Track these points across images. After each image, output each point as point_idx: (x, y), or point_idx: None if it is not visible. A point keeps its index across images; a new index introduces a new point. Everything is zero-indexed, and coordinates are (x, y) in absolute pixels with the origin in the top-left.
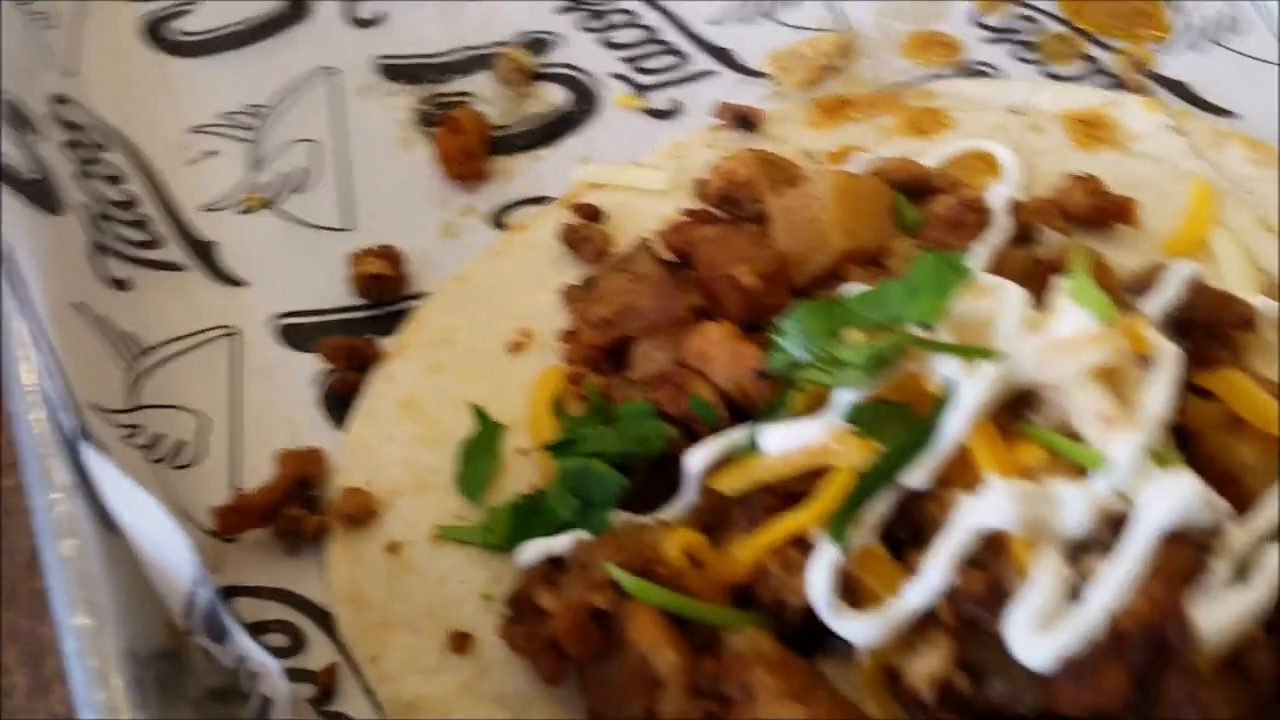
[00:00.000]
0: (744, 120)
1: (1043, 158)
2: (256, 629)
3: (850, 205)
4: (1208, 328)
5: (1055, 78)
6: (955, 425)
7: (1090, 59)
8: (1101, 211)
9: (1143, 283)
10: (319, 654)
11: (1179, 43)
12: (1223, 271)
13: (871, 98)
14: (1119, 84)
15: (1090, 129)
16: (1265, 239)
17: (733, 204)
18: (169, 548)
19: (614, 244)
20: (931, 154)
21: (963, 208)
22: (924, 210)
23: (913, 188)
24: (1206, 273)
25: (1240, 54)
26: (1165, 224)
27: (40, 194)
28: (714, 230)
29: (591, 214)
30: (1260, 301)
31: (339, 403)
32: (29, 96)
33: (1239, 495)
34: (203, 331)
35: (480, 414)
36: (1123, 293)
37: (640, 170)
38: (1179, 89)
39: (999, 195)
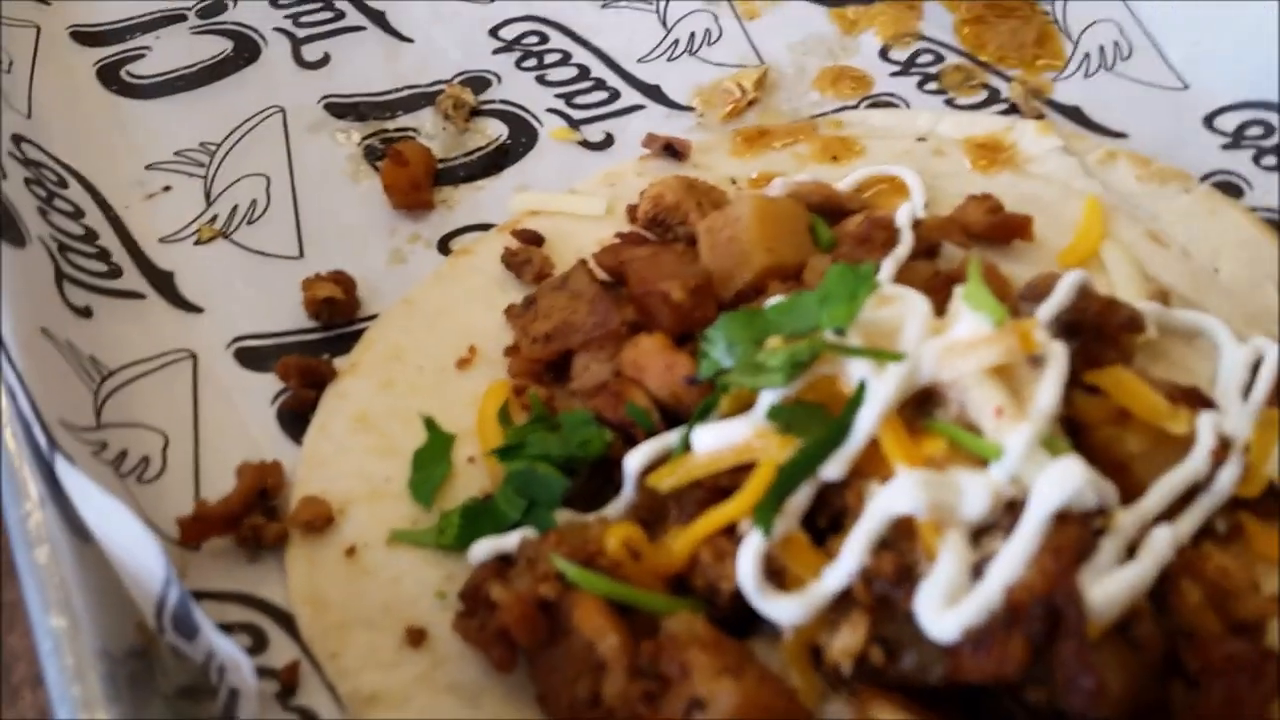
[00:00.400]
0: (672, 150)
1: (945, 180)
2: (221, 631)
3: (769, 225)
4: (1096, 330)
5: (957, 106)
6: (866, 421)
7: (990, 88)
8: (999, 228)
9: (1037, 290)
10: (281, 653)
11: (1074, 71)
12: (1113, 279)
13: (789, 128)
14: (1017, 111)
15: (989, 153)
16: (1153, 249)
17: (662, 226)
18: (140, 552)
19: (553, 266)
20: (844, 178)
21: (871, 226)
22: (837, 229)
23: (827, 209)
24: (1096, 280)
25: (1131, 79)
26: (1059, 238)
27: (7, 228)
28: (645, 250)
29: (531, 239)
30: (1146, 305)
31: (295, 419)
32: None
33: (1128, 482)
34: (163, 355)
35: (430, 424)
36: (1017, 300)
37: (576, 197)
38: (1073, 114)
39: (904, 214)
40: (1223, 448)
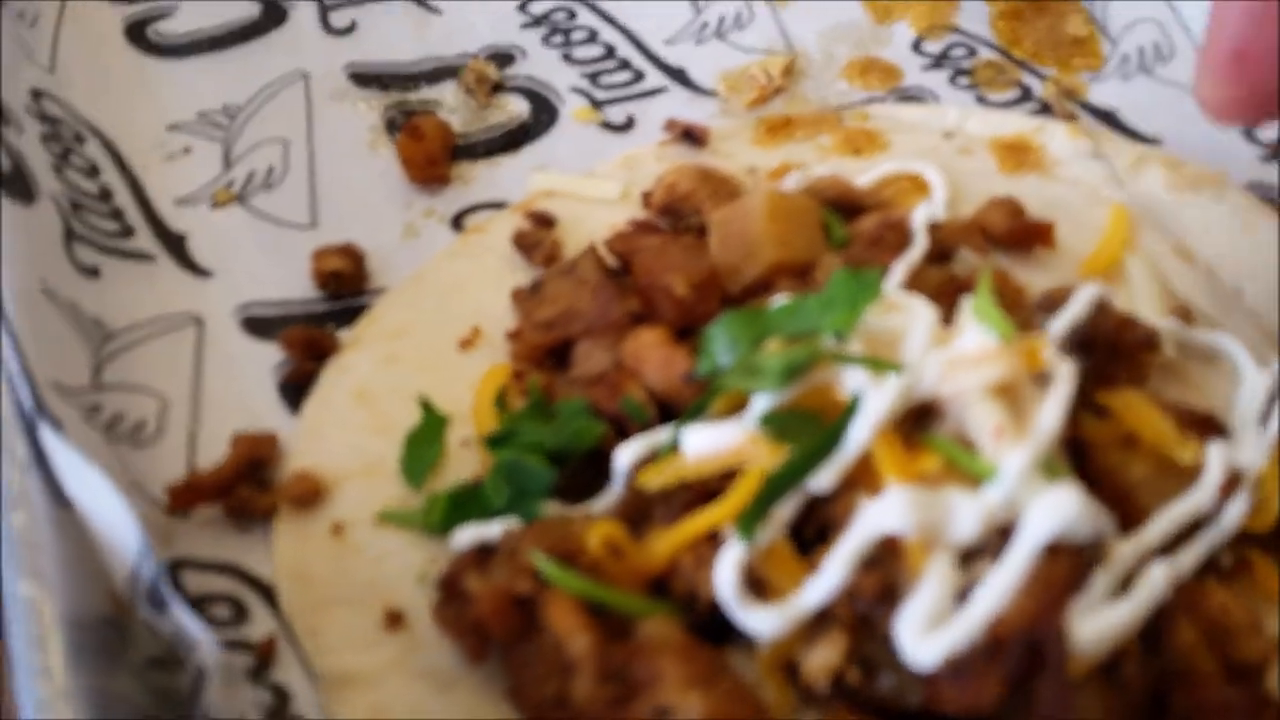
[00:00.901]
0: (692, 136)
1: (970, 179)
2: (201, 600)
3: (781, 220)
4: (1109, 348)
5: (988, 103)
6: (859, 433)
7: (1023, 86)
8: (1020, 233)
9: (1053, 302)
10: (261, 626)
11: (1111, 72)
12: (1134, 293)
13: (813, 118)
14: (1049, 111)
15: (1016, 154)
16: (1179, 264)
17: (675, 215)
18: (117, 524)
19: (563, 250)
20: (866, 173)
21: (884, 227)
22: (851, 227)
23: (842, 205)
24: (1113, 294)
25: (1170, 83)
26: (1082, 245)
27: (15, 183)
28: (653, 240)
29: (544, 220)
30: (1166, 324)
31: (296, 390)
32: (7, 90)
33: (1130, 512)
34: (169, 318)
35: (426, 405)
36: (1032, 311)
37: (592, 180)
38: (1107, 117)
39: (920, 216)
40: (1232, 481)
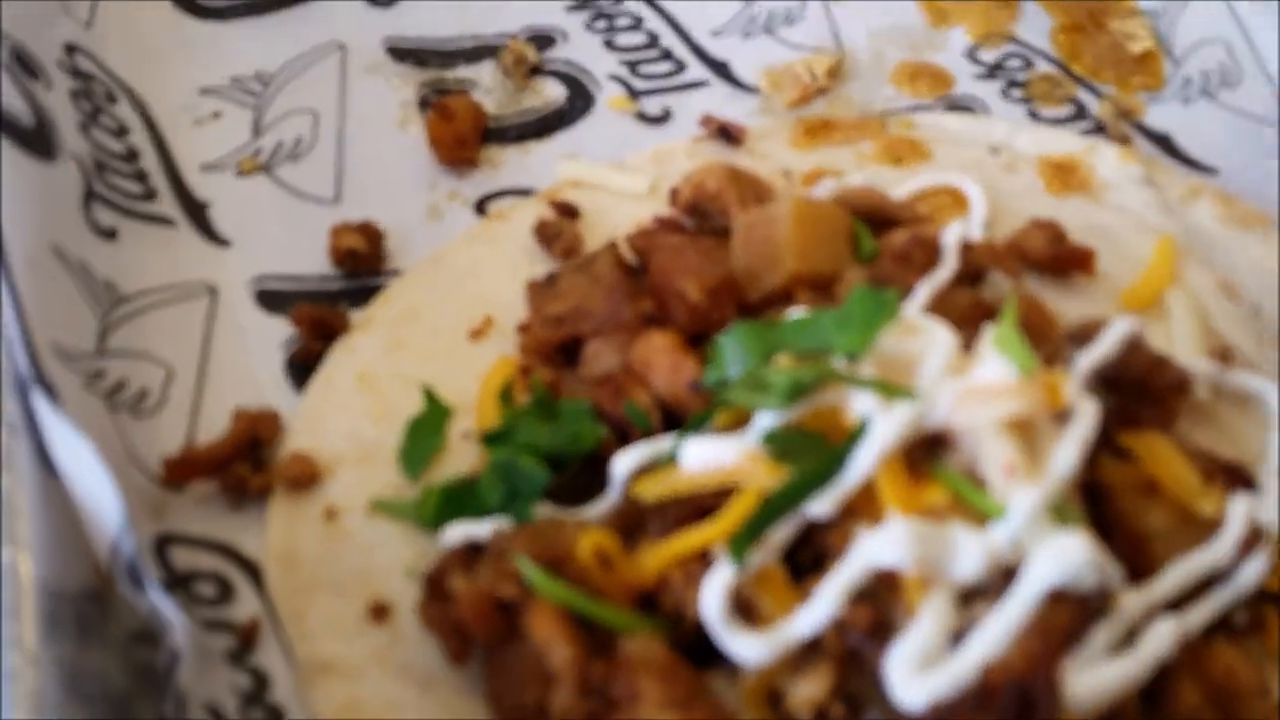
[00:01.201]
0: (727, 134)
1: (1012, 199)
2: (188, 577)
3: (807, 229)
4: (1138, 388)
5: (1040, 119)
6: (864, 461)
7: (1077, 103)
8: (1059, 259)
9: (1085, 334)
10: (245, 607)
11: (1171, 94)
12: (1173, 330)
13: (855, 122)
14: (1103, 130)
15: (1064, 174)
16: (1223, 302)
17: (701, 215)
18: (101, 497)
19: (584, 243)
20: (904, 184)
21: (913, 243)
22: (882, 242)
23: (874, 217)
24: (1151, 329)
25: (1232, 109)
26: (1124, 275)
27: (35, 139)
28: (673, 240)
29: (569, 211)
30: (1202, 365)
31: (304, 369)
32: (39, 43)
33: (1143, 561)
34: (183, 286)
35: (429, 395)
36: (1063, 342)
37: (621, 173)
38: (1162, 141)
39: (952, 234)
40: (1253, 537)
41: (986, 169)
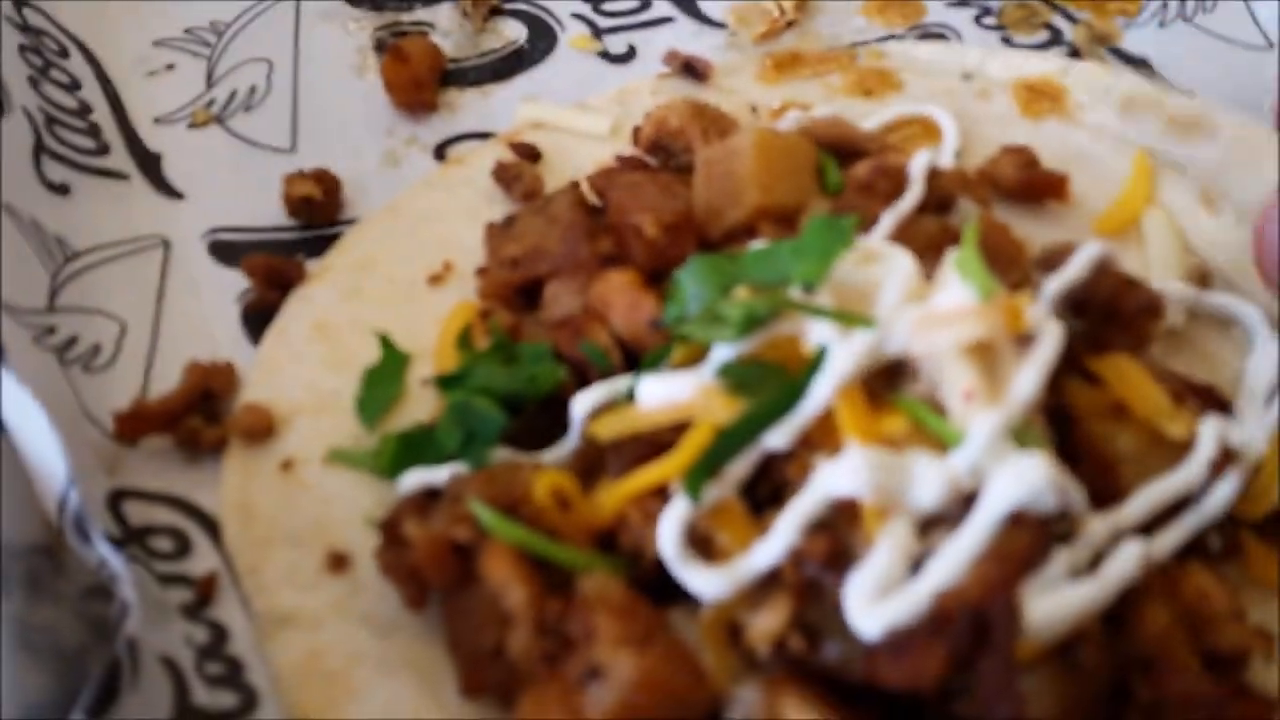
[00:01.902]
0: (693, 69)
1: (986, 125)
2: (144, 532)
3: (769, 161)
4: (1108, 312)
5: (1014, 46)
6: (821, 390)
7: (1053, 29)
8: (1032, 185)
9: (1053, 260)
10: (203, 561)
11: (1148, 19)
12: (1149, 254)
13: (824, 55)
14: (1078, 56)
15: (1039, 97)
16: (1204, 218)
17: (664, 152)
18: (48, 451)
19: (545, 185)
20: (875, 115)
21: (877, 173)
22: (848, 173)
23: (841, 148)
24: (1125, 253)
25: (1210, 33)
26: (1101, 199)
27: None
28: (631, 177)
29: (529, 153)
30: (1178, 288)
31: (260, 321)
32: None
33: (1113, 486)
34: (136, 240)
35: (385, 342)
36: (1031, 268)
37: (582, 113)
38: (1141, 65)
39: (919, 163)
40: (1224, 459)
41: (959, 97)
